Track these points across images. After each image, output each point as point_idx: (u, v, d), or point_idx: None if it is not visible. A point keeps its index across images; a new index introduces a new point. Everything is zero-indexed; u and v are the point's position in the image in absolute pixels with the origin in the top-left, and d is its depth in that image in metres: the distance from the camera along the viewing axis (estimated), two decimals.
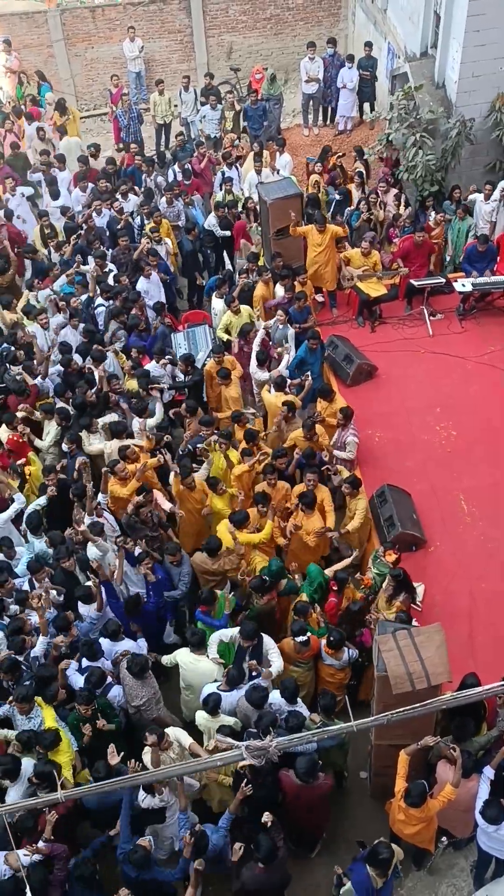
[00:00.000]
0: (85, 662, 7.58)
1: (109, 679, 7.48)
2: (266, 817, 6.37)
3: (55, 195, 13.85)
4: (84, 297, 11.62)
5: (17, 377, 10.21)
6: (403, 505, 9.31)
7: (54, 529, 8.72)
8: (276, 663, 7.54)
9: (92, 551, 8.42)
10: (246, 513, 8.60)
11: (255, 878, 6.26)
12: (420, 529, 9.21)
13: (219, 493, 9.02)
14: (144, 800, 6.72)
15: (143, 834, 6.64)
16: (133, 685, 7.46)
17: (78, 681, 7.45)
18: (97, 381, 10.26)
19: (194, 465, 9.22)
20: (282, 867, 6.44)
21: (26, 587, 8.22)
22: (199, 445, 9.51)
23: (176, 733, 7.05)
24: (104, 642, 7.75)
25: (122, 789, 6.35)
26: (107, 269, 12.08)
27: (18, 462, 9.44)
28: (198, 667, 7.63)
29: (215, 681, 7.45)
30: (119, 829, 6.50)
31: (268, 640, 7.67)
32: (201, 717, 7.18)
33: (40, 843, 6.25)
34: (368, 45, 16.09)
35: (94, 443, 9.70)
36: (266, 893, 6.50)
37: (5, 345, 10.92)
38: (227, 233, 13.17)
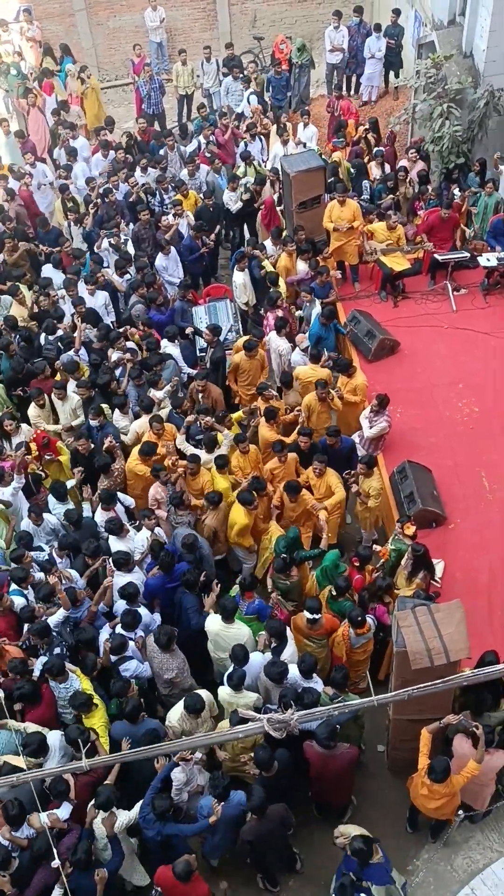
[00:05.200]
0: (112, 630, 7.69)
1: (128, 652, 7.55)
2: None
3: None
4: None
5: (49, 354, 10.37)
6: (424, 481, 9.29)
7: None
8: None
9: (116, 545, 8.44)
10: (252, 495, 8.65)
11: (251, 828, 6.54)
12: (440, 506, 9.20)
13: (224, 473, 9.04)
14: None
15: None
16: (162, 659, 7.54)
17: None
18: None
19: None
20: (276, 818, 6.60)
21: (44, 557, 8.35)
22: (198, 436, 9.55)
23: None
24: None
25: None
26: (123, 240, 12.10)
27: (47, 456, 9.45)
28: (229, 633, 7.70)
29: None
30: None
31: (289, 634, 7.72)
32: (224, 692, 7.26)
33: (60, 813, 6.40)
34: (396, 12, 15.77)
35: (122, 422, 9.79)
36: (265, 842, 6.70)
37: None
38: (240, 204, 13.09)
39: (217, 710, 7.43)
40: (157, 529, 8.55)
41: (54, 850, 5.81)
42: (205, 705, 7.06)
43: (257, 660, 7.40)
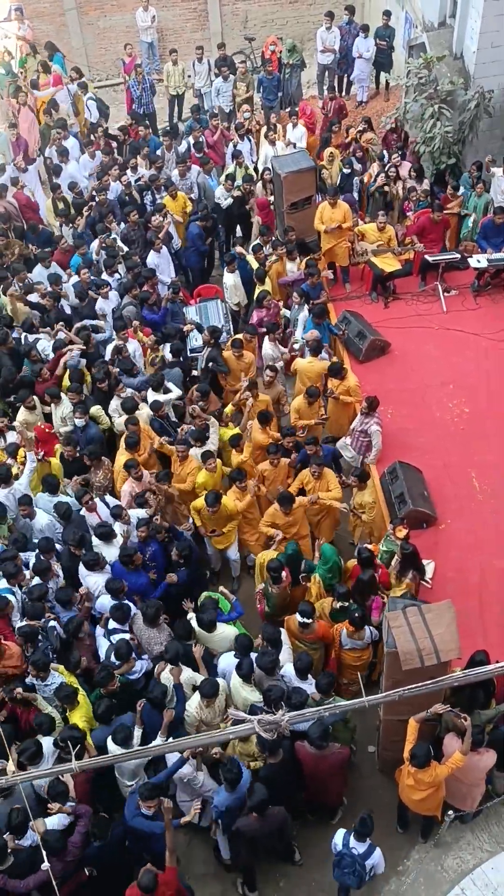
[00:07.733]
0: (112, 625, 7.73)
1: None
2: None
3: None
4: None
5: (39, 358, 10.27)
6: (414, 482, 9.30)
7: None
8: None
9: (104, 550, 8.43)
10: (217, 493, 8.62)
11: (250, 825, 6.54)
12: (431, 506, 9.21)
13: (208, 468, 8.99)
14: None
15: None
16: (149, 635, 7.63)
17: (103, 645, 7.61)
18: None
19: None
20: (275, 823, 6.62)
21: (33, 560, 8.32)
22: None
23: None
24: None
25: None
26: (113, 237, 12.07)
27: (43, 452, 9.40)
28: (213, 639, 7.74)
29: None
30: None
31: (284, 637, 7.71)
32: (235, 681, 7.27)
33: (67, 804, 6.45)
34: (387, 13, 15.81)
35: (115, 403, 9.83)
36: (260, 840, 6.72)
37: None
38: (230, 200, 13.07)
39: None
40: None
41: (44, 853, 5.81)
42: (218, 690, 7.07)
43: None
